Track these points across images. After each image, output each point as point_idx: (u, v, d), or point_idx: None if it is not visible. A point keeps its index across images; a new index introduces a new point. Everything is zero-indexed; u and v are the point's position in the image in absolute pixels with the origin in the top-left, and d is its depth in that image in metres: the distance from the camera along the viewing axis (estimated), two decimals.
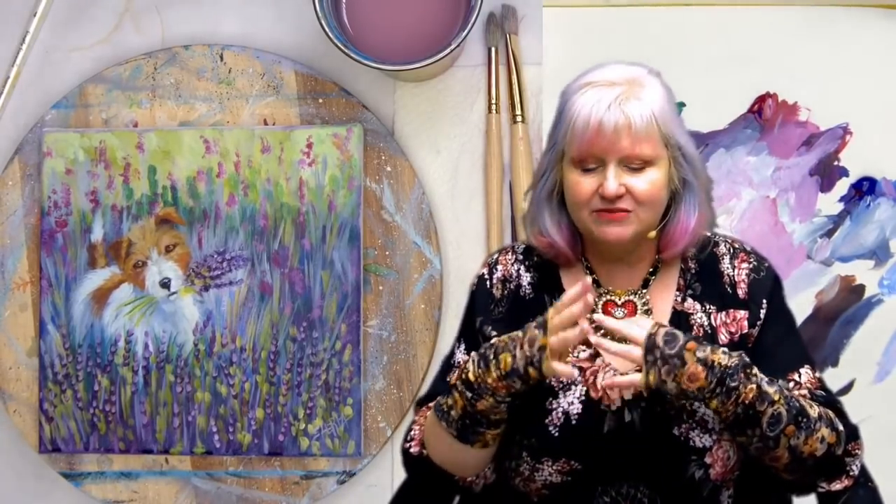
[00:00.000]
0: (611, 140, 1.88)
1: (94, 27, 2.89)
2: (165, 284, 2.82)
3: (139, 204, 2.83)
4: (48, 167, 2.85)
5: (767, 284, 1.99)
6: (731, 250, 2.02)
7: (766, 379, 1.86)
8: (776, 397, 1.85)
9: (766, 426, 1.85)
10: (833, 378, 2.59)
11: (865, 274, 2.74)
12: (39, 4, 2.82)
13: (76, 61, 2.89)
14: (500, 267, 2.04)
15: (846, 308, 2.75)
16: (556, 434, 1.92)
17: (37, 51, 2.87)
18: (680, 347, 1.82)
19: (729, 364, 1.83)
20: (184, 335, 2.81)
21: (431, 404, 1.99)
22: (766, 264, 2.02)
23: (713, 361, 1.82)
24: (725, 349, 1.85)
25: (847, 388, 2.70)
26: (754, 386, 1.84)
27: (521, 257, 2.04)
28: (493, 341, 1.89)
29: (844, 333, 2.74)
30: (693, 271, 2.00)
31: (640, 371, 1.84)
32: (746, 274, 1.99)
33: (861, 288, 2.74)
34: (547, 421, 1.93)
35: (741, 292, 1.98)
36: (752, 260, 2.01)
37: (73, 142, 2.84)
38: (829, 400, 1.97)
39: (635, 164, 1.89)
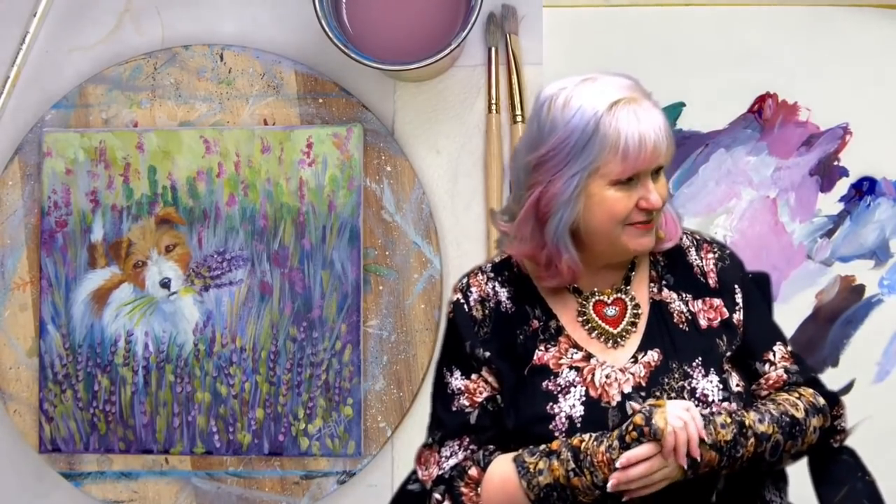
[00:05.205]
0: (655, 155, 1.92)
1: (94, 27, 2.89)
2: (165, 284, 2.82)
3: (139, 204, 2.83)
4: (48, 167, 2.85)
5: (734, 271, 2.06)
6: (695, 242, 2.08)
7: (758, 416, 1.91)
8: (770, 430, 1.91)
9: (769, 456, 1.92)
10: (833, 378, 2.60)
11: (865, 274, 2.74)
12: (39, 4, 2.82)
13: (76, 61, 2.89)
14: (474, 289, 2.04)
15: (846, 308, 2.75)
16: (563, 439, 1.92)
17: (37, 51, 2.87)
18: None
19: (729, 438, 1.87)
20: (184, 335, 2.81)
21: (460, 455, 1.98)
22: (728, 251, 2.09)
23: (720, 443, 1.87)
24: (721, 413, 1.90)
25: (847, 388, 2.70)
26: (752, 439, 1.89)
27: (492, 275, 2.05)
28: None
29: (844, 333, 2.74)
30: (662, 263, 2.05)
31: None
32: (714, 263, 2.05)
33: (861, 288, 2.75)
34: (552, 427, 1.93)
35: (712, 282, 2.04)
36: (714, 249, 2.07)
37: (73, 142, 2.84)
38: (806, 375, 2.03)
39: (655, 172, 1.94)
